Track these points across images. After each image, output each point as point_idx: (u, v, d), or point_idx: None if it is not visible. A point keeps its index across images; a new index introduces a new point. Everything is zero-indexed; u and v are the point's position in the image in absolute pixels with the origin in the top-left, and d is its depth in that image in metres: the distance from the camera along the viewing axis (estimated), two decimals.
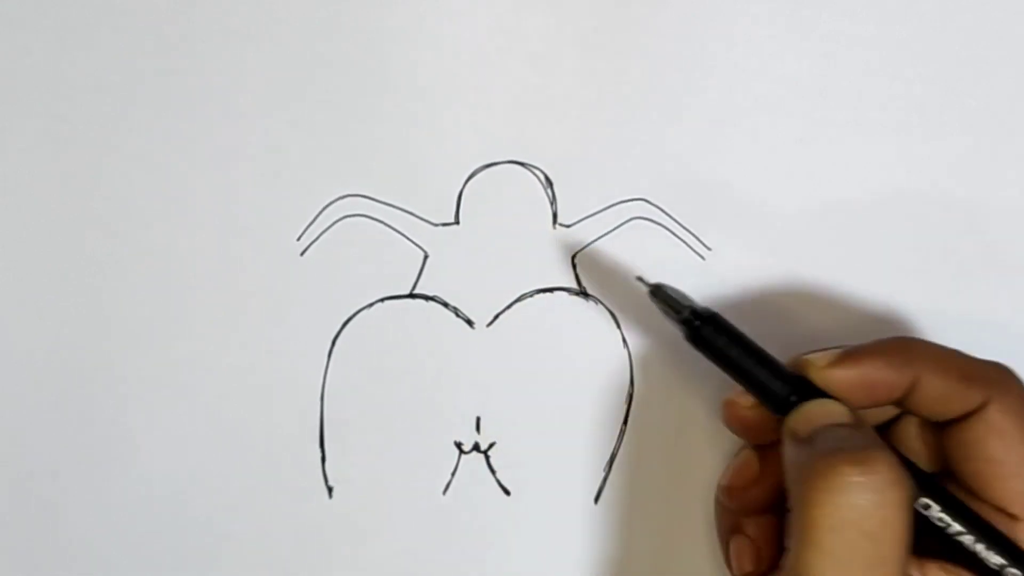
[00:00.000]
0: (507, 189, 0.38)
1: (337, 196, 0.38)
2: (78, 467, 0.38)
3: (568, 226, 0.38)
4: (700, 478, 0.37)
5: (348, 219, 0.38)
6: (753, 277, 0.37)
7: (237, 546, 0.38)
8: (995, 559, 0.29)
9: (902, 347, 0.32)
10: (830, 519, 0.28)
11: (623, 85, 0.38)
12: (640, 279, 0.34)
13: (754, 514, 0.34)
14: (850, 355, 0.32)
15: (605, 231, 0.38)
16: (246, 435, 0.38)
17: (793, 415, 0.31)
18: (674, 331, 0.34)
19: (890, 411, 0.34)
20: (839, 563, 0.28)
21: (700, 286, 0.37)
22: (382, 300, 0.38)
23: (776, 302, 0.37)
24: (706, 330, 0.33)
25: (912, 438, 0.33)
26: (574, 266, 0.38)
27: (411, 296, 0.38)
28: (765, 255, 0.37)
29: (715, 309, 0.33)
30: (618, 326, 0.38)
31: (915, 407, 0.32)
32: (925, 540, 0.31)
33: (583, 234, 0.38)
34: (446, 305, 0.38)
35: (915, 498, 0.29)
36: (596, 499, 0.38)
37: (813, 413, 0.31)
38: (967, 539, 0.30)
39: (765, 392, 0.32)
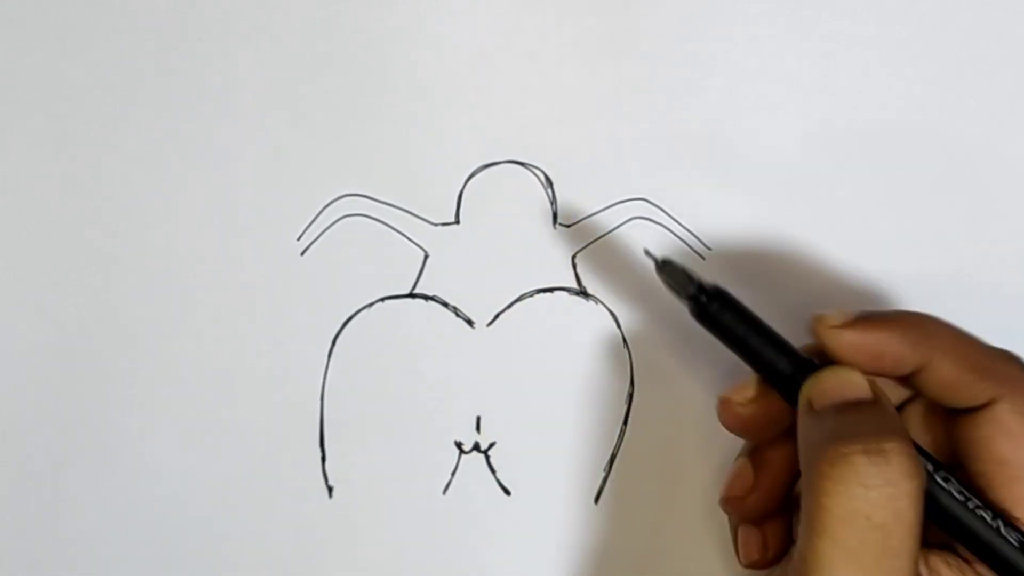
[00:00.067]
0: (507, 189, 0.38)
1: (337, 196, 0.38)
2: (78, 467, 0.38)
3: (568, 226, 0.38)
4: (700, 478, 0.37)
5: (348, 219, 0.38)
6: (753, 277, 0.37)
7: (237, 546, 0.38)
8: (1016, 536, 0.29)
9: (919, 323, 0.31)
10: (841, 509, 0.27)
11: (623, 85, 0.38)
12: (648, 253, 0.33)
13: (756, 521, 0.34)
14: (865, 319, 0.31)
15: (605, 231, 0.38)
16: (246, 435, 0.38)
17: (811, 381, 0.30)
18: (674, 330, 0.34)
19: (904, 392, 0.33)
20: (848, 553, 0.27)
21: None
22: (382, 300, 0.38)
23: (776, 302, 0.37)
24: (713, 306, 0.32)
25: (921, 423, 0.33)
26: (574, 266, 0.38)
27: (411, 296, 0.38)
28: (765, 255, 0.37)
29: None
30: (618, 326, 0.38)
31: (923, 389, 0.31)
32: (930, 531, 0.30)
33: (583, 234, 0.38)
34: (446, 305, 0.38)
35: (927, 483, 0.28)
36: (596, 499, 0.38)
37: (830, 384, 0.30)
38: (987, 514, 0.29)
39: (772, 371, 0.31)
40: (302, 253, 0.38)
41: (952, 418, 0.31)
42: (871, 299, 0.37)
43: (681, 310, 0.33)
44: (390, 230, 0.38)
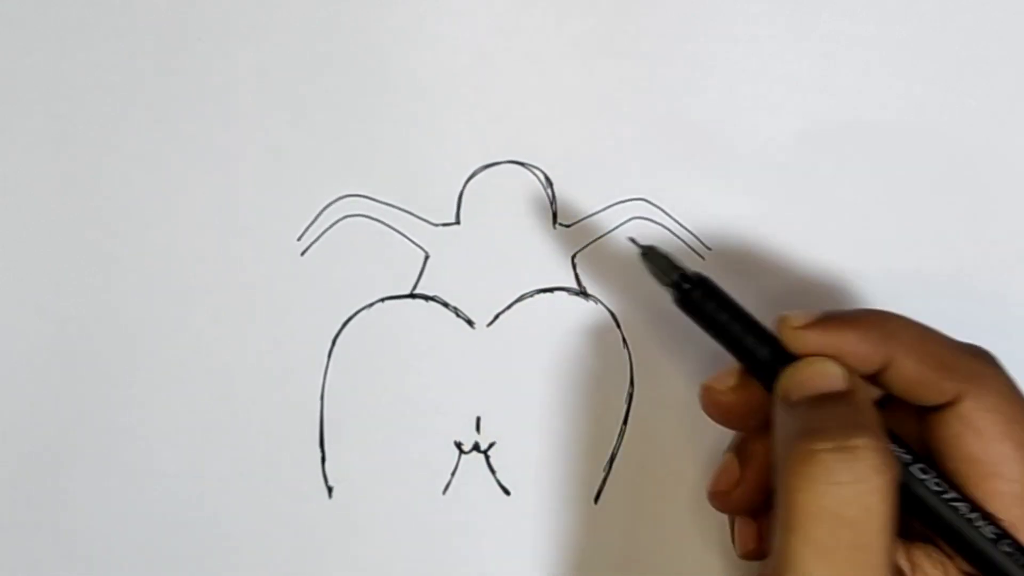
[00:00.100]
0: (507, 189, 0.38)
1: (337, 196, 0.38)
2: (78, 467, 0.38)
3: (568, 226, 0.38)
4: (700, 477, 0.37)
5: (348, 219, 0.38)
6: (753, 277, 0.37)
7: (237, 546, 0.38)
8: (991, 530, 0.29)
9: (882, 322, 0.31)
10: (810, 506, 0.27)
11: (623, 85, 0.38)
12: (632, 240, 0.34)
13: (745, 514, 0.34)
14: (827, 319, 0.31)
15: (605, 231, 0.38)
16: (246, 435, 0.38)
17: (787, 373, 0.30)
18: (674, 330, 0.34)
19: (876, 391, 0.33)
20: (820, 549, 0.27)
21: None
22: (382, 300, 0.38)
23: (776, 302, 0.37)
24: (695, 294, 0.32)
25: (902, 420, 0.32)
26: (574, 266, 0.38)
27: (411, 296, 0.38)
28: (765, 255, 0.37)
29: None
30: (618, 326, 0.38)
31: (889, 387, 0.31)
32: (912, 524, 0.31)
33: (583, 234, 0.38)
34: (446, 305, 0.38)
35: (903, 475, 0.28)
36: (596, 499, 0.38)
37: (805, 376, 0.30)
38: (963, 506, 0.29)
39: (752, 359, 0.31)
40: (302, 253, 0.38)
41: (923, 416, 0.31)
42: (871, 299, 0.37)
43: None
44: (390, 230, 0.38)
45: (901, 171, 0.37)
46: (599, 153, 0.38)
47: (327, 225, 0.38)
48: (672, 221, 0.38)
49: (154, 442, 0.38)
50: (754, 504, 0.34)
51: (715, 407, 0.33)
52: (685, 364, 0.37)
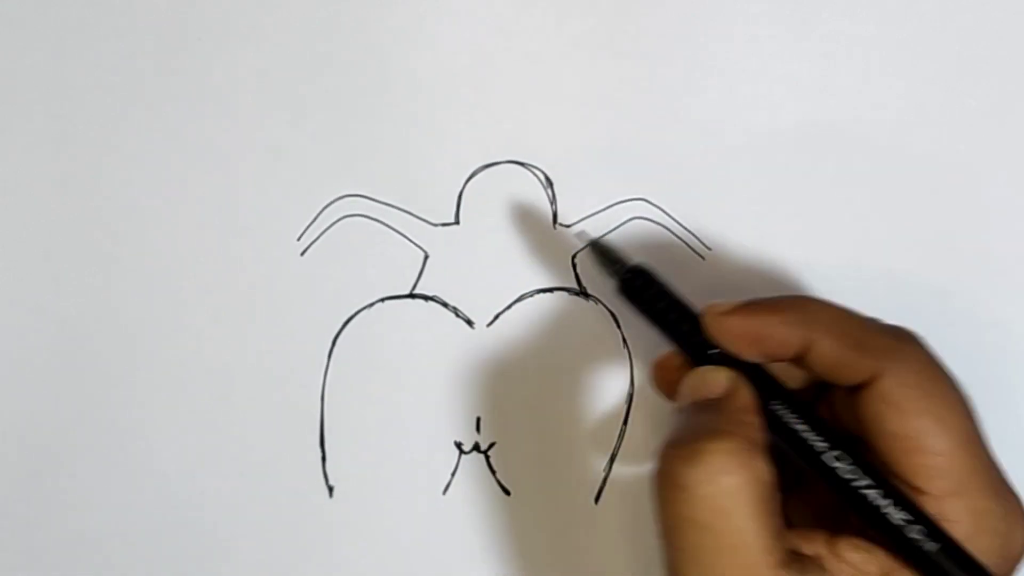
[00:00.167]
0: (507, 189, 0.38)
1: (337, 196, 0.38)
2: (78, 467, 0.38)
3: (568, 226, 0.38)
4: None
5: (348, 219, 0.38)
6: (753, 277, 0.37)
7: (237, 546, 0.38)
8: (899, 515, 0.29)
9: (801, 305, 0.32)
10: (668, 514, 0.28)
11: (623, 85, 0.38)
12: (579, 235, 0.35)
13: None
14: (746, 306, 0.31)
15: (605, 231, 0.38)
16: (246, 435, 0.38)
17: (683, 382, 0.31)
18: None
19: (803, 376, 0.33)
20: (688, 557, 0.28)
21: (700, 286, 0.37)
22: (382, 300, 0.38)
23: None
24: (637, 282, 0.33)
25: (840, 404, 0.33)
26: (574, 266, 0.38)
27: (411, 296, 0.38)
28: (765, 255, 0.37)
29: None
30: (618, 326, 0.38)
31: (812, 370, 0.31)
32: (837, 516, 0.31)
33: (583, 234, 0.38)
34: (446, 305, 0.38)
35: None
36: (596, 499, 0.38)
37: (691, 384, 0.31)
38: (873, 493, 0.29)
39: (689, 346, 0.32)
40: (302, 253, 0.38)
41: (850, 397, 0.31)
42: (871, 298, 0.37)
43: None
44: (390, 230, 0.38)
45: (901, 171, 0.37)
46: (599, 153, 0.38)
47: (327, 225, 0.38)
48: (672, 221, 0.38)
49: (154, 442, 0.38)
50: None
51: (665, 384, 0.34)
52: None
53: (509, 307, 0.38)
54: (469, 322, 0.38)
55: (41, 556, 0.39)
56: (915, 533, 0.29)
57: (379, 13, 0.38)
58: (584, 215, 0.38)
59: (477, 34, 0.38)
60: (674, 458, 0.28)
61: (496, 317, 0.38)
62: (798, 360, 0.31)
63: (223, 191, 0.38)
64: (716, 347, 0.32)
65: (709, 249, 0.38)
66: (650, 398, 0.38)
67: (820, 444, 0.30)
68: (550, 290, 0.38)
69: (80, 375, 0.38)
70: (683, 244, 0.38)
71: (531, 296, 0.38)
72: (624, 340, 0.38)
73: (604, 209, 0.38)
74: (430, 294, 0.38)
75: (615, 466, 0.38)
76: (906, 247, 0.37)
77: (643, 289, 0.33)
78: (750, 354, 0.31)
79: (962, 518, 0.29)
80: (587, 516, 0.38)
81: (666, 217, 0.38)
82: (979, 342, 0.37)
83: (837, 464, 0.30)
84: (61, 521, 0.39)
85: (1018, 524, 0.30)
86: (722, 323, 0.31)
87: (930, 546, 0.29)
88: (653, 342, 0.38)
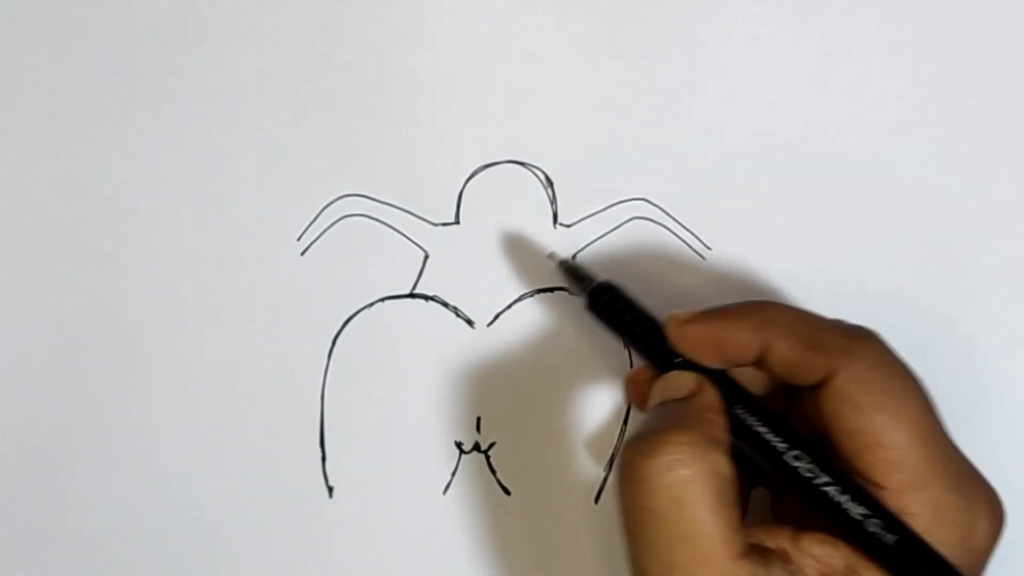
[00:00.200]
0: (507, 189, 0.38)
1: (337, 196, 0.38)
2: (78, 467, 0.38)
3: (568, 226, 0.38)
4: None
5: (348, 219, 0.38)
6: (753, 277, 0.37)
7: (237, 545, 0.38)
8: (858, 509, 0.29)
9: (758, 310, 0.32)
10: (627, 506, 0.29)
11: (623, 85, 0.38)
12: (551, 256, 0.36)
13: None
14: (705, 314, 0.32)
15: (605, 231, 0.38)
16: (246, 435, 0.38)
17: (654, 387, 0.32)
18: None
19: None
20: (646, 546, 0.29)
21: (700, 286, 0.37)
22: (382, 300, 0.38)
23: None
24: (604, 298, 0.34)
25: (808, 406, 0.33)
26: None
27: (411, 296, 0.38)
28: (765, 255, 0.37)
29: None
30: None
31: (772, 373, 0.32)
32: (797, 512, 0.31)
33: (583, 234, 0.38)
34: (446, 305, 0.38)
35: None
36: (596, 499, 0.38)
37: (661, 386, 0.32)
38: (832, 490, 0.30)
39: (656, 357, 0.33)
40: (302, 253, 0.38)
41: (812, 398, 0.32)
42: (871, 297, 0.37)
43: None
44: (390, 230, 0.38)
45: (901, 171, 0.37)
46: (599, 153, 0.38)
47: (327, 225, 0.38)
48: (672, 221, 0.38)
49: (154, 442, 0.38)
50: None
51: (636, 397, 0.35)
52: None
53: (509, 307, 0.38)
54: (469, 322, 0.38)
55: (41, 556, 0.39)
56: (874, 527, 0.29)
57: (379, 13, 0.38)
58: (584, 215, 0.38)
59: (477, 34, 0.38)
60: (634, 451, 0.29)
61: (496, 317, 0.38)
62: (759, 364, 0.32)
63: (223, 191, 0.38)
64: (681, 357, 0.32)
65: (709, 249, 0.38)
66: None
67: (780, 445, 0.31)
68: (550, 290, 0.38)
69: (80, 375, 0.38)
70: (683, 244, 0.38)
71: (531, 296, 0.38)
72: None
73: (604, 209, 0.38)
74: (430, 294, 0.38)
75: (615, 466, 0.38)
76: (906, 247, 0.37)
77: (610, 304, 0.34)
78: (711, 360, 0.32)
79: (921, 511, 0.30)
80: (587, 516, 0.38)
81: (666, 217, 0.38)
82: (979, 342, 0.37)
83: (797, 464, 0.30)
84: (61, 521, 0.39)
85: (982, 516, 0.30)
86: (683, 331, 0.32)
87: (888, 538, 0.29)
88: None
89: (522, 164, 0.38)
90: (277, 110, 0.38)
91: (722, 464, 0.29)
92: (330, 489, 0.38)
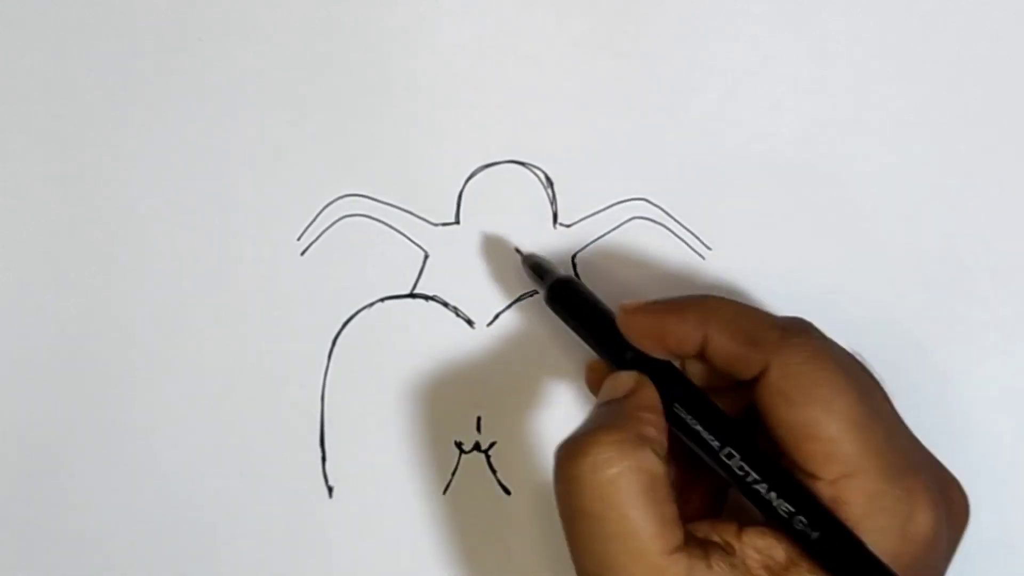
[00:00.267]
0: (507, 189, 0.38)
1: (337, 196, 0.38)
2: (78, 467, 0.38)
3: (568, 226, 0.38)
4: None
5: (348, 219, 0.38)
6: (753, 277, 0.37)
7: (237, 545, 0.38)
8: (784, 506, 0.30)
9: (700, 303, 0.32)
10: (562, 507, 0.30)
11: (623, 85, 0.38)
12: (517, 250, 0.37)
13: None
14: (651, 305, 0.33)
15: (605, 231, 0.38)
16: (246, 435, 0.38)
17: (601, 387, 0.33)
18: None
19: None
20: (582, 545, 0.29)
21: (700, 286, 0.37)
22: (382, 300, 0.38)
23: (775, 302, 0.37)
24: (562, 293, 0.35)
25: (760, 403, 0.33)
26: (574, 266, 0.38)
27: (411, 296, 0.38)
28: (765, 255, 0.37)
29: None
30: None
31: (713, 366, 0.32)
32: (739, 507, 0.31)
33: (583, 234, 0.38)
34: (446, 305, 0.38)
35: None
36: None
37: (606, 387, 0.33)
38: (761, 487, 0.30)
39: (607, 351, 0.34)
40: (302, 253, 0.38)
41: (753, 392, 0.32)
42: (871, 297, 0.37)
43: None
44: (390, 230, 0.38)
45: (900, 171, 0.37)
46: (599, 153, 0.38)
47: (327, 225, 0.38)
48: (672, 221, 0.38)
49: (154, 442, 0.38)
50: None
51: (594, 387, 0.35)
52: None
53: (509, 307, 0.38)
54: (469, 322, 0.38)
55: (41, 556, 0.39)
56: (799, 524, 0.29)
57: (379, 13, 0.38)
58: (584, 215, 0.38)
59: (477, 34, 0.38)
60: (565, 452, 0.30)
61: (496, 317, 0.38)
62: (701, 357, 0.32)
63: (223, 191, 0.38)
64: (631, 350, 0.33)
65: (709, 249, 0.38)
66: None
67: (715, 443, 0.31)
68: None
69: (80, 375, 0.38)
70: (683, 244, 0.38)
71: (531, 296, 0.38)
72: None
73: (604, 209, 0.38)
74: (430, 294, 0.38)
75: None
76: (905, 246, 0.37)
77: (567, 299, 0.35)
78: (655, 350, 0.32)
79: (855, 500, 0.29)
80: None
81: (666, 217, 0.38)
82: (979, 342, 0.37)
83: (729, 461, 0.31)
84: (61, 521, 0.39)
85: (923, 505, 0.30)
86: (630, 320, 0.33)
87: (814, 534, 0.29)
88: None
89: (522, 164, 0.38)
90: (277, 110, 0.38)
91: (652, 462, 0.29)
92: (330, 489, 0.38)
